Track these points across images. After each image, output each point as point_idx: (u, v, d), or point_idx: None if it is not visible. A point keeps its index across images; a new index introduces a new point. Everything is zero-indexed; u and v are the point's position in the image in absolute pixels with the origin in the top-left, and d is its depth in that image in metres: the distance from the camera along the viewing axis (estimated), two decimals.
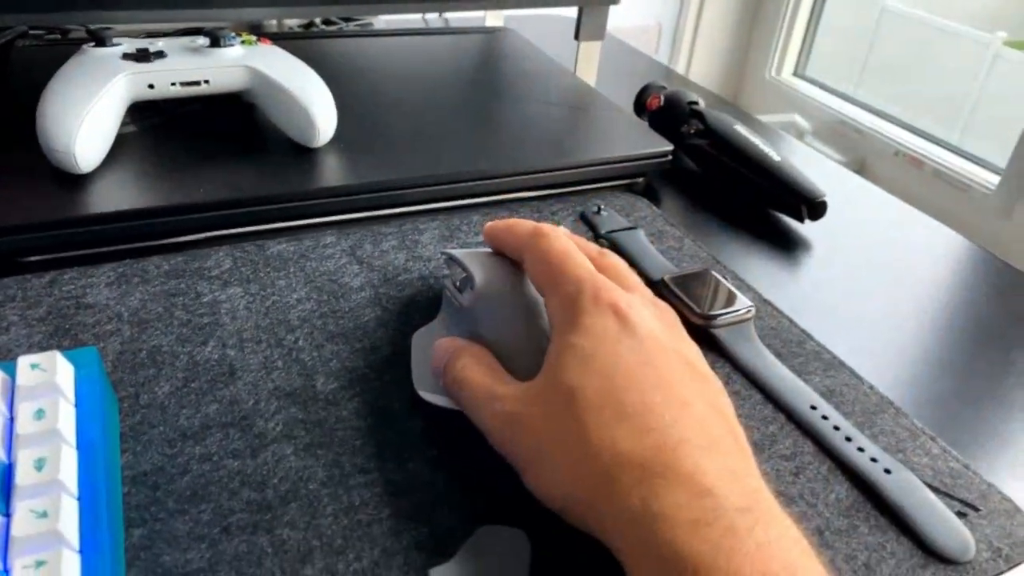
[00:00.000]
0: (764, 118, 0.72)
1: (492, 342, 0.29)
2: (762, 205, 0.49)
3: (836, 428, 0.31)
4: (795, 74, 2.15)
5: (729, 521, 0.20)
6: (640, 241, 0.42)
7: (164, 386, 0.30)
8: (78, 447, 0.23)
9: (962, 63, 1.81)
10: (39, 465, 0.22)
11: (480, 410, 0.27)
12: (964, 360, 0.38)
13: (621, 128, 0.52)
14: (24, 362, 0.24)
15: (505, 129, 0.50)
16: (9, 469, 0.22)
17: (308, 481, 0.26)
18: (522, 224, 0.31)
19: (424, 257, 0.39)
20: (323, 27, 0.76)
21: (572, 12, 0.61)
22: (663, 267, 0.40)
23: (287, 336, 0.33)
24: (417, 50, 0.63)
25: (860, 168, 1.90)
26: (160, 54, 0.42)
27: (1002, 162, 1.62)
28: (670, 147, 0.49)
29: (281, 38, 0.63)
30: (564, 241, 0.29)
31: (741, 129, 0.51)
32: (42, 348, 0.31)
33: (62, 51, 0.44)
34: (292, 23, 0.75)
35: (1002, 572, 0.26)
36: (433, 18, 0.82)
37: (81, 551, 0.21)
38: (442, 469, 0.27)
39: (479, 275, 0.31)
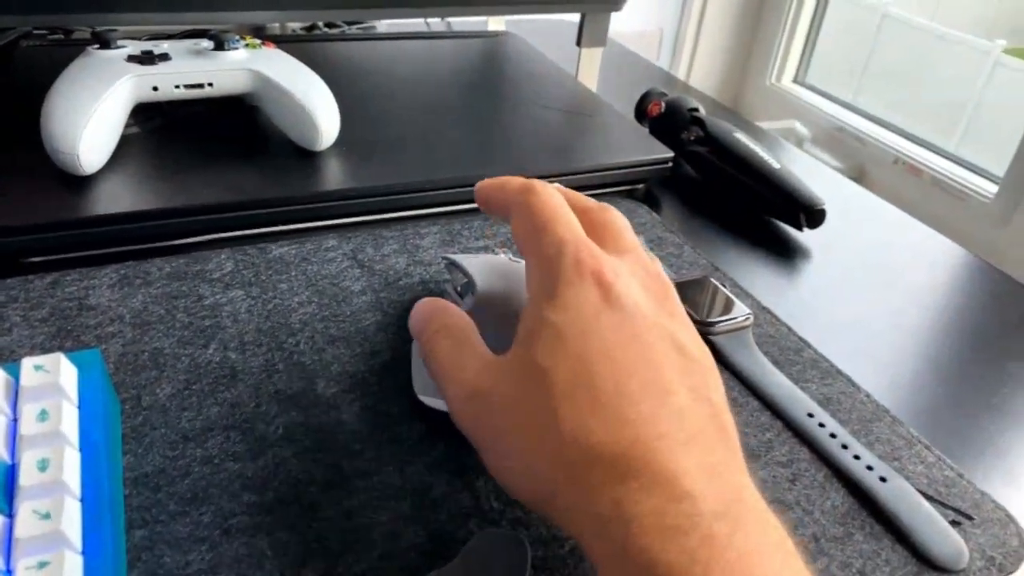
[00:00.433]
0: (764, 125, 0.72)
1: (493, 348, 0.29)
2: (761, 212, 0.49)
3: (833, 436, 0.31)
4: (795, 81, 2.16)
5: (707, 528, 0.19)
6: None
7: (166, 388, 0.30)
8: (81, 448, 0.23)
9: (962, 71, 1.82)
10: (42, 466, 0.22)
11: (445, 381, 0.25)
12: (960, 369, 0.38)
13: (622, 134, 0.52)
14: (28, 363, 0.25)
15: (507, 134, 0.50)
16: (12, 470, 0.22)
17: (308, 484, 0.27)
18: (512, 180, 0.28)
19: (425, 261, 0.39)
20: (326, 30, 0.76)
21: (574, 17, 0.61)
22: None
23: (288, 339, 0.33)
24: (419, 54, 0.64)
25: (859, 176, 1.90)
26: (164, 56, 0.42)
27: (1000, 170, 1.62)
28: (670, 154, 0.50)
29: (284, 41, 0.64)
30: (553, 198, 0.26)
31: (741, 136, 0.51)
32: (44, 349, 0.31)
33: (66, 52, 0.44)
34: (295, 26, 0.76)
35: None
36: (436, 22, 0.82)
37: (83, 552, 0.21)
38: (441, 473, 0.28)
39: (480, 280, 0.31)
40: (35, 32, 0.61)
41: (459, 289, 0.33)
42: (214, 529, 0.25)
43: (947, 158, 1.78)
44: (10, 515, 0.21)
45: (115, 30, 0.43)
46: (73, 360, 0.26)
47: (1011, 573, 0.27)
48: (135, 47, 0.42)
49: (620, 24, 0.61)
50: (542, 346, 0.22)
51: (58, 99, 0.39)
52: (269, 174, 0.42)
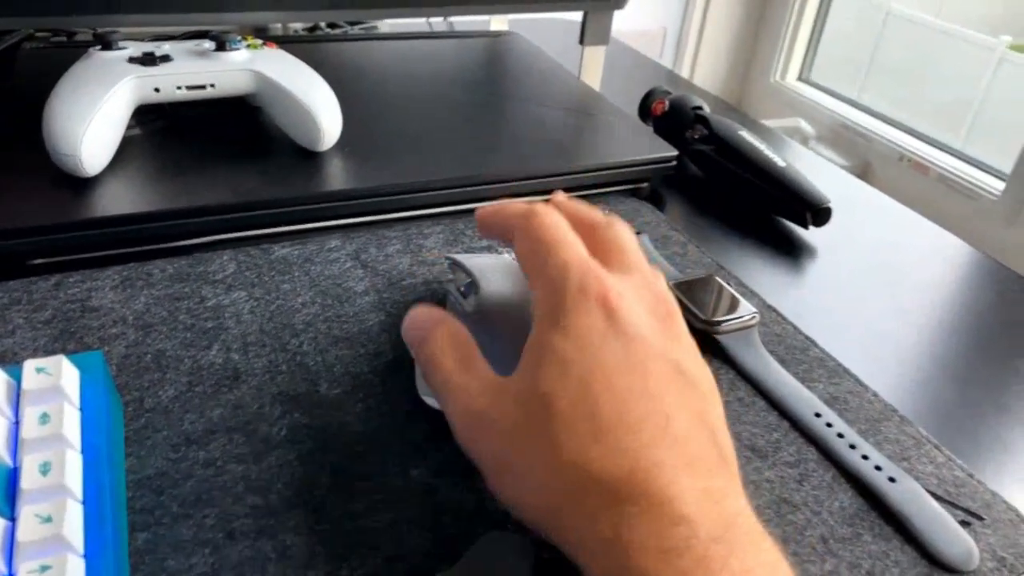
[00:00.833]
0: (768, 123, 0.72)
1: (496, 349, 0.29)
2: (766, 211, 0.49)
3: (840, 436, 0.31)
4: (800, 79, 2.16)
5: (703, 550, 0.19)
6: (644, 246, 0.42)
7: (168, 390, 0.30)
8: (83, 451, 0.23)
9: (967, 67, 1.81)
10: (44, 469, 0.22)
11: (448, 400, 0.25)
12: (968, 368, 0.38)
13: (626, 133, 0.52)
14: (30, 366, 0.24)
15: (510, 133, 0.50)
16: (14, 473, 0.22)
17: (312, 486, 0.26)
18: (513, 205, 0.28)
19: (428, 261, 0.39)
20: (328, 30, 0.76)
21: (577, 16, 0.61)
22: (667, 273, 0.40)
23: (291, 340, 0.33)
24: (422, 54, 0.64)
25: (865, 173, 1.90)
26: (166, 58, 0.42)
27: (1006, 166, 1.62)
28: (675, 152, 0.49)
29: (286, 41, 0.64)
30: (555, 221, 0.26)
31: (746, 135, 0.51)
32: (47, 351, 0.31)
33: (67, 54, 0.44)
34: (296, 26, 0.76)
35: None
36: (438, 22, 0.82)
37: (86, 556, 0.21)
38: (446, 475, 0.27)
39: (483, 280, 0.31)
40: (37, 34, 0.61)
41: (462, 289, 0.33)
42: (217, 532, 0.25)
43: (953, 155, 1.78)
44: (12, 518, 0.21)
45: (117, 31, 0.43)
46: (75, 362, 0.26)
47: (1022, 574, 0.26)
48: (137, 48, 0.42)
49: (623, 22, 0.61)
50: (545, 371, 0.23)
51: (60, 101, 0.38)
52: (271, 175, 0.42)
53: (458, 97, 0.55)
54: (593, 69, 0.62)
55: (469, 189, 0.44)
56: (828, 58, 2.11)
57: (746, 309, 0.36)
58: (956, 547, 0.27)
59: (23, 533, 0.20)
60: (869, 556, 0.26)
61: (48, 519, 0.21)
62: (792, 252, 0.46)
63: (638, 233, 0.43)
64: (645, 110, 0.57)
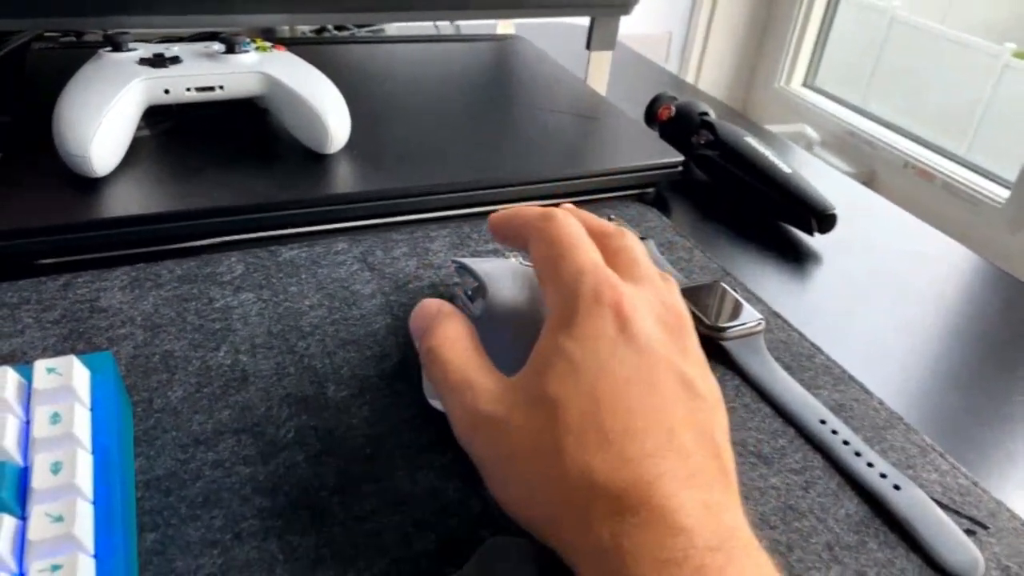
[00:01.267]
0: (773, 128, 0.72)
1: (503, 353, 0.29)
2: (772, 217, 0.49)
3: (846, 443, 0.31)
4: (805, 84, 2.16)
5: (700, 561, 0.20)
6: (650, 251, 0.42)
7: (177, 391, 0.30)
8: (93, 451, 0.23)
9: (971, 74, 1.81)
10: (55, 469, 0.22)
11: (451, 398, 0.25)
12: (973, 376, 0.38)
13: (632, 138, 0.52)
14: (40, 366, 0.25)
15: (516, 137, 0.50)
16: (25, 472, 0.22)
17: (319, 489, 0.27)
18: (529, 208, 0.28)
19: (435, 265, 0.39)
20: (335, 33, 0.76)
21: (583, 20, 0.61)
22: (673, 278, 0.40)
23: (299, 343, 0.33)
24: (429, 57, 0.64)
25: (870, 180, 1.90)
26: (176, 59, 0.42)
27: (1010, 174, 1.62)
28: (681, 158, 0.49)
29: (293, 43, 0.64)
30: (572, 226, 0.26)
31: (751, 141, 0.51)
32: (56, 351, 0.31)
33: (77, 54, 0.44)
34: (304, 28, 0.76)
35: None
36: (445, 25, 0.82)
37: (96, 555, 0.21)
38: (452, 478, 0.28)
39: (491, 284, 0.31)
40: (47, 35, 0.62)
41: (469, 293, 0.33)
42: (225, 533, 0.25)
43: (958, 162, 1.78)
44: (23, 518, 0.21)
45: (127, 33, 0.43)
46: (86, 363, 0.26)
47: None
48: (146, 50, 0.42)
49: (628, 27, 0.61)
50: (555, 376, 0.23)
51: (70, 102, 0.39)
52: (279, 177, 0.42)
53: (464, 101, 0.55)
54: (599, 74, 0.62)
55: (475, 193, 0.44)
56: (833, 64, 2.11)
57: (751, 315, 0.37)
58: (961, 556, 0.27)
59: (34, 532, 0.20)
60: (874, 564, 0.26)
61: (59, 518, 0.21)
62: (797, 258, 0.46)
63: (643, 238, 0.43)
64: (651, 115, 0.57)
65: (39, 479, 0.22)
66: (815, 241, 0.47)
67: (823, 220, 0.46)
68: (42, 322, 0.32)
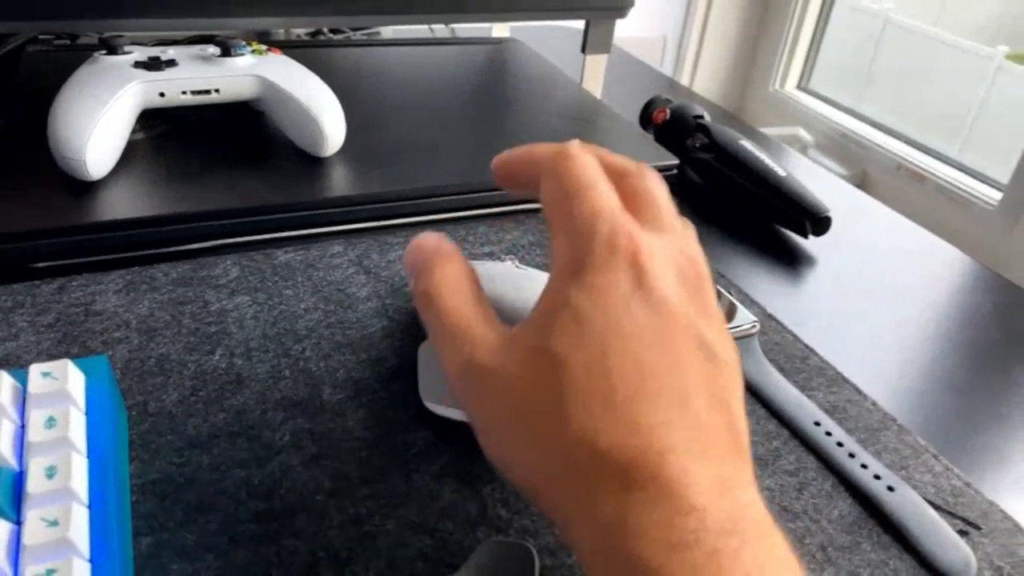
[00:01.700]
0: (767, 131, 0.72)
1: None
2: (766, 219, 0.49)
3: (839, 444, 0.31)
4: (799, 87, 2.16)
5: (712, 544, 0.18)
6: None
7: (172, 394, 0.30)
8: (88, 455, 0.23)
9: (964, 77, 1.82)
10: (50, 473, 0.22)
11: (445, 346, 0.23)
12: (966, 377, 0.38)
13: (627, 141, 0.52)
14: (35, 370, 0.25)
15: (512, 140, 0.50)
16: (20, 477, 0.22)
17: (314, 492, 0.27)
18: (540, 145, 0.25)
19: None
20: (330, 36, 0.76)
21: (578, 24, 0.61)
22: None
23: (294, 346, 0.33)
24: (424, 60, 0.64)
25: (862, 182, 1.90)
26: (171, 62, 0.42)
27: (1003, 176, 1.62)
28: (675, 161, 0.50)
29: (289, 46, 0.64)
30: (588, 165, 0.24)
31: (746, 144, 0.51)
32: (50, 355, 0.31)
33: (72, 57, 0.44)
34: (299, 31, 0.76)
35: None
36: (440, 28, 0.82)
37: (91, 560, 0.21)
38: (448, 481, 0.28)
39: (486, 287, 0.31)
40: (41, 37, 0.62)
41: None
42: (221, 537, 0.25)
43: (950, 164, 1.78)
44: (18, 522, 0.21)
45: (122, 36, 0.43)
46: (81, 366, 0.26)
47: None
48: (142, 53, 0.42)
49: (623, 30, 0.61)
50: (560, 330, 0.21)
51: (65, 104, 0.39)
52: (275, 180, 0.42)
53: (460, 104, 0.56)
54: (594, 77, 0.62)
55: (471, 196, 0.44)
56: (827, 67, 2.12)
57: (746, 318, 0.37)
58: (954, 556, 0.27)
59: (29, 537, 0.20)
60: (868, 565, 0.26)
61: (54, 523, 0.21)
62: (791, 261, 0.46)
63: None
64: (646, 118, 0.57)
65: (34, 483, 0.22)
66: (809, 244, 0.48)
67: (817, 223, 0.46)
68: (36, 326, 0.32)
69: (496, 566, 0.24)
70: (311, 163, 0.44)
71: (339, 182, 0.43)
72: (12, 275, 0.35)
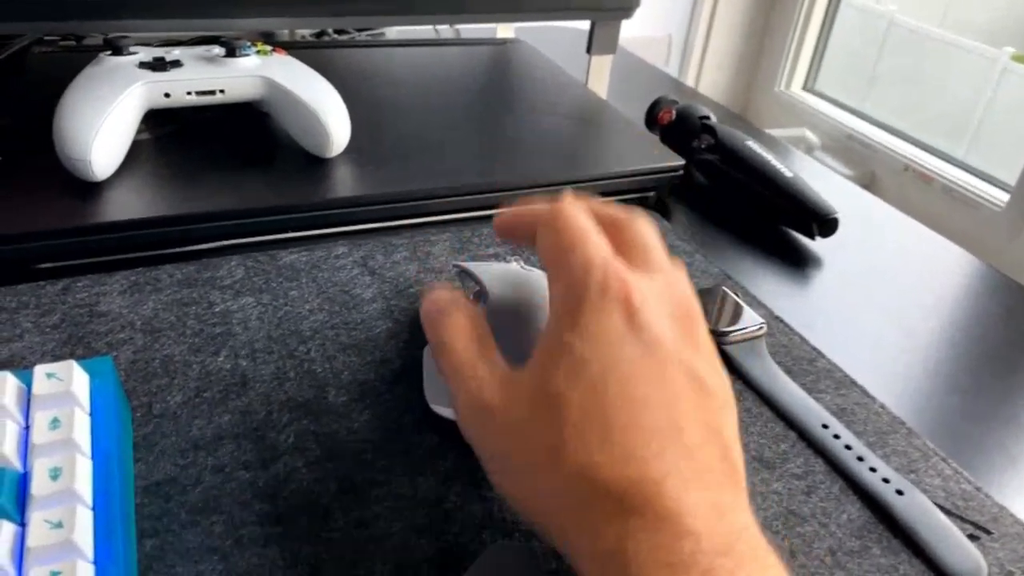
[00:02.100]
0: (773, 132, 0.72)
1: (507, 356, 0.29)
2: (773, 221, 0.49)
3: (848, 447, 0.31)
4: (805, 88, 2.16)
5: (708, 565, 0.19)
6: None
7: (177, 396, 0.30)
8: (93, 457, 0.23)
9: (970, 78, 1.81)
10: (54, 474, 0.22)
11: (456, 386, 0.25)
12: (974, 380, 0.38)
13: (632, 142, 0.52)
14: (40, 371, 0.24)
15: (516, 141, 0.50)
16: (24, 478, 0.22)
17: (320, 494, 0.26)
18: (535, 204, 0.27)
19: (436, 269, 0.39)
20: (335, 36, 0.76)
21: (584, 24, 0.61)
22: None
23: (299, 347, 0.33)
24: (429, 61, 0.64)
25: (869, 183, 1.90)
26: (176, 63, 0.42)
27: (1010, 177, 1.62)
28: (682, 162, 0.49)
29: (293, 47, 0.64)
30: (579, 218, 0.25)
31: (752, 145, 0.51)
32: (55, 356, 0.31)
33: (77, 58, 0.44)
34: (303, 32, 0.76)
35: None
36: (444, 29, 0.82)
37: (95, 561, 0.21)
38: (454, 484, 0.27)
39: (492, 288, 0.31)
40: (46, 38, 0.62)
41: (471, 297, 0.33)
42: (225, 539, 0.25)
43: (957, 165, 1.78)
44: (22, 524, 0.21)
45: (127, 36, 0.43)
46: (85, 367, 0.26)
47: None
48: (147, 53, 0.42)
49: (628, 30, 0.61)
50: (560, 371, 0.22)
51: (70, 105, 0.39)
52: (279, 181, 0.42)
53: (465, 105, 0.55)
54: (600, 78, 0.62)
55: (476, 197, 0.44)
56: (833, 68, 2.11)
57: (753, 319, 0.37)
58: (964, 561, 0.26)
59: (33, 538, 0.20)
60: (878, 569, 0.26)
61: (58, 524, 0.21)
62: (798, 262, 0.46)
63: None
64: (652, 119, 0.57)
65: (38, 485, 0.21)
66: (816, 245, 0.47)
67: (824, 224, 0.46)
68: (41, 327, 0.32)
69: (502, 570, 0.24)
70: (316, 164, 0.44)
71: (344, 183, 0.43)
72: (17, 276, 0.35)
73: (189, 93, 0.42)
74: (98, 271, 0.36)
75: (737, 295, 0.38)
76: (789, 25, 2.08)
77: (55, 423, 0.23)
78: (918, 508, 0.28)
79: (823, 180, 0.57)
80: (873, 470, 0.30)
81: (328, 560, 0.24)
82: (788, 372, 0.35)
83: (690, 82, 2.11)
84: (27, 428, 0.23)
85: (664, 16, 2.05)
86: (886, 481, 0.29)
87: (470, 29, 0.82)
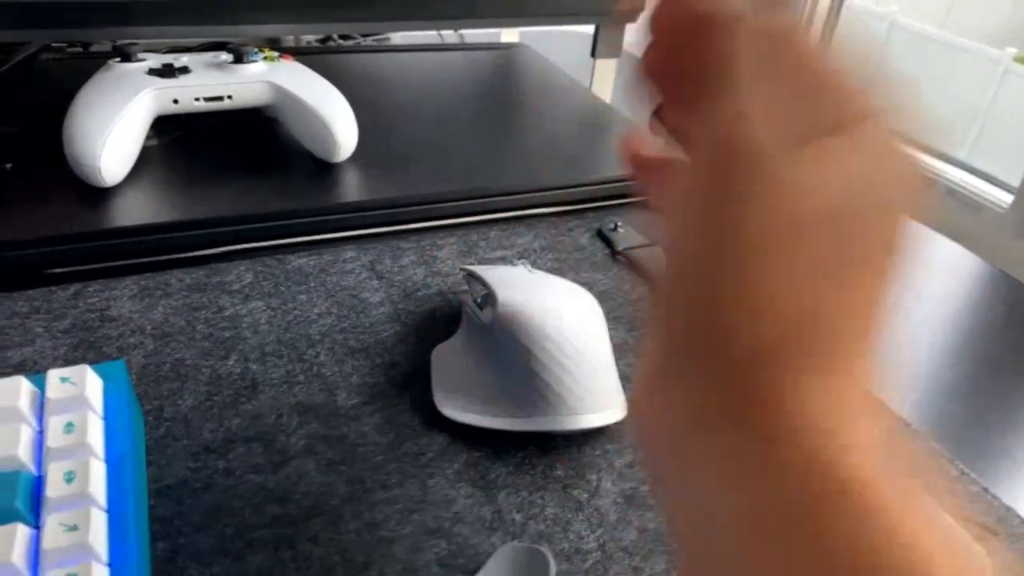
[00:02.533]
0: None
1: (515, 359, 0.29)
2: None
3: None
4: None
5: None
6: (657, 259, 0.42)
7: (188, 399, 0.30)
8: (107, 460, 0.24)
9: (972, 79, 1.81)
10: (69, 478, 0.22)
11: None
12: (979, 382, 0.38)
13: None
14: (54, 376, 0.25)
15: (522, 145, 0.51)
16: (39, 482, 0.22)
17: (330, 496, 0.27)
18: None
19: (443, 272, 0.39)
20: (340, 42, 0.76)
21: (587, 28, 0.61)
22: None
23: (308, 351, 0.33)
24: (434, 66, 0.64)
25: None
26: (184, 70, 0.42)
27: (1012, 180, 1.61)
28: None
29: (299, 53, 0.64)
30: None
31: None
32: (67, 360, 0.31)
33: (85, 64, 0.44)
34: (309, 37, 0.76)
35: None
36: (448, 34, 0.83)
37: (110, 564, 0.21)
38: (463, 486, 0.28)
39: (500, 292, 0.31)
40: (55, 45, 0.62)
41: (479, 301, 0.33)
42: (237, 542, 0.25)
43: (960, 167, 1.77)
44: (37, 527, 0.21)
45: (136, 43, 0.44)
46: (98, 372, 0.26)
47: None
48: (155, 60, 0.43)
49: (632, 33, 0.61)
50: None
51: (80, 111, 0.39)
52: (288, 186, 0.42)
53: (470, 109, 0.56)
54: (605, 81, 0.62)
55: (483, 200, 0.44)
56: None
57: None
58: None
59: (48, 541, 0.20)
60: None
61: (73, 527, 0.21)
62: None
63: (652, 244, 0.44)
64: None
65: (53, 488, 0.22)
66: None
67: None
68: (53, 331, 0.33)
69: (512, 571, 0.24)
70: (323, 169, 0.44)
71: (351, 187, 0.43)
72: (28, 281, 0.35)
73: (197, 99, 0.43)
74: (108, 276, 0.36)
75: None
76: None
77: (70, 427, 0.23)
78: None
79: None
80: None
81: (339, 562, 0.24)
82: None
83: None
84: (41, 432, 0.24)
85: None
86: None
87: (474, 34, 0.83)
